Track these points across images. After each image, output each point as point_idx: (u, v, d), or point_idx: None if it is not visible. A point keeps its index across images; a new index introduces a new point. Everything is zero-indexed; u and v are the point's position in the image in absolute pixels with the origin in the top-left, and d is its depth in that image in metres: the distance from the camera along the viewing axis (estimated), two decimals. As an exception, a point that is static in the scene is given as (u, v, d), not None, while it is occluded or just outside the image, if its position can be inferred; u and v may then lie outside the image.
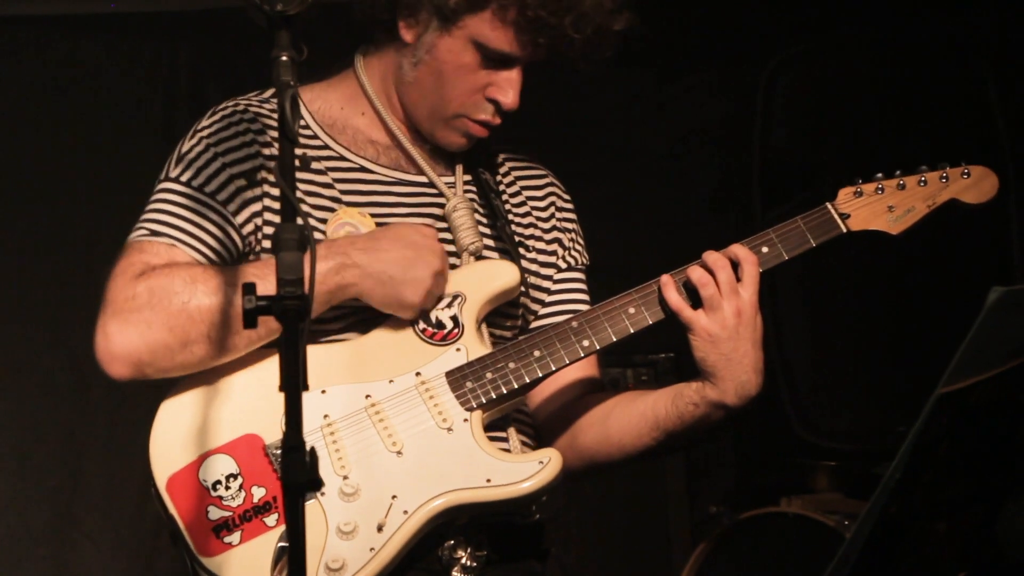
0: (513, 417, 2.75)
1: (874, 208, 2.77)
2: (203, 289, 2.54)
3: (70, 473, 4.93)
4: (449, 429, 2.61)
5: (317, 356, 2.60)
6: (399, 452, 2.58)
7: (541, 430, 2.86)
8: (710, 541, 4.83)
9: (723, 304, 2.63)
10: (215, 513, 2.54)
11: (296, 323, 2.03)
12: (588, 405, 2.85)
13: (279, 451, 2.34)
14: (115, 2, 5.05)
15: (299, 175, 2.69)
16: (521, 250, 2.84)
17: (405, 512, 2.54)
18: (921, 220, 2.79)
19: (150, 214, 2.68)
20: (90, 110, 4.98)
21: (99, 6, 5.04)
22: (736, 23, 5.19)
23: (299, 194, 2.68)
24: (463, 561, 2.61)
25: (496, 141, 2.86)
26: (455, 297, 2.70)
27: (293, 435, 2.02)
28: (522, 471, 2.59)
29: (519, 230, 2.87)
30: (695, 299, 2.66)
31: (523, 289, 2.81)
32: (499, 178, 2.91)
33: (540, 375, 2.67)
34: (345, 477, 2.55)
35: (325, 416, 2.60)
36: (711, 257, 2.67)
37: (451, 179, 2.83)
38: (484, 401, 2.63)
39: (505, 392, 2.65)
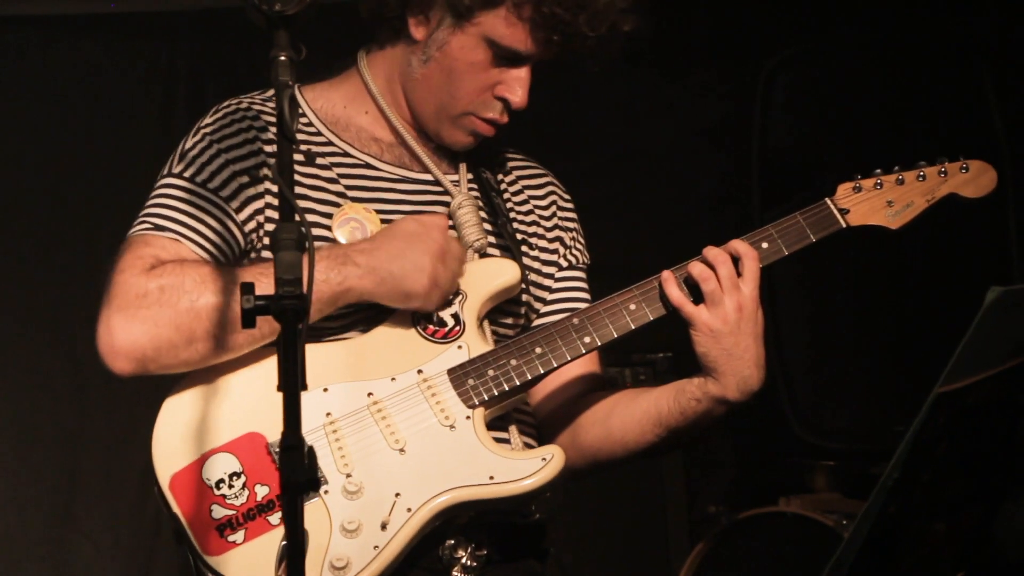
0: (514, 416, 2.75)
1: (873, 203, 2.77)
2: (212, 288, 2.53)
3: (69, 473, 4.94)
4: (451, 427, 2.61)
5: (319, 354, 2.62)
6: (402, 450, 2.58)
7: (543, 428, 2.86)
8: (708, 541, 4.83)
9: (724, 299, 2.64)
10: (219, 512, 2.53)
11: (294, 323, 2.03)
12: (590, 402, 2.85)
13: (282, 449, 2.34)
14: (115, 2, 5.05)
15: (304, 170, 2.71)
16: (524, 248, 2.85)
17: (408, 510, 2.54)
18: (920, 215, 2.79)
19: (153, 208, 2.67)
20: (90, 110, 4.98)
21: (99, 6, 5.04)
22: (736, 23, 5.19)
23: (304, 189, 2.69)
24: (463, 561, 2.62)
25: (497, 141, 2.86)
26: (456, 295, 2.71)
27: (291, 434, 2.02)
28: (525, 468, 2.59)
29: (521, 228, 2.87)
30: (696, 294, 2.67)
31: (524, 287, 2.82)
32: (501, 177, 2.92)
33: (542, 372, 2.68)
34: (348, 475, 2.55)
35: (328, 414, 2.60)
36: (711, 252, 2.68)
37: (455, 177, 2.83)
38: (486, 398, 2.64)
39: (507, 389, 2.65)
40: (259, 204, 2.67)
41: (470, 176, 2.85)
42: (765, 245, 2.72)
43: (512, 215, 2.87)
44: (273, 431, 2.54)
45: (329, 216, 2.69)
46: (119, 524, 4.94)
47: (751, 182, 5.34)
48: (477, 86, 2.72)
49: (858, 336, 5.19)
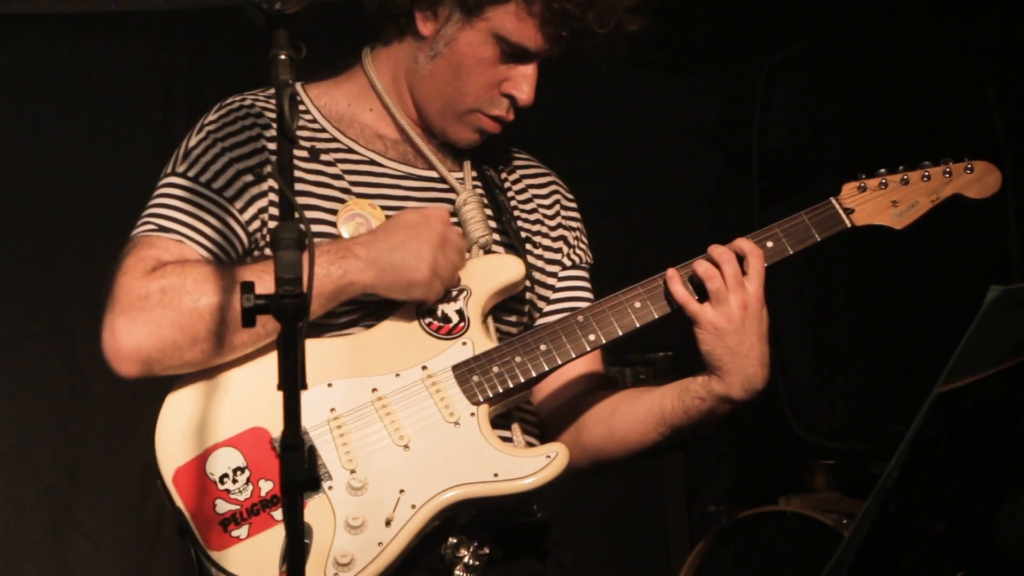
0: (517, 413, 2.75)
1: (878, 203, 2.78)
2: (213, 288, 2.53)
3: (69, 473, 4.94)
4: (456, 423, 2.61)
5: (323, 350, 2.62)
6: (406, 446, 2.58)
7: (545, 426, 2.86)
8: (708, 540, 4.83)
9: (729, 297, 2.64)
10: (223, 507, 2.53)
11: (294, 322, 2.03)
12: (593, 401, 2.85)
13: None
14: (115, 1, 5.05)
15: (308, 166, 2.71)
16: (528, 246, 2.85)
17: (413, 506, 2.54)
18: (925, 215, 2.79)
19: (156, 208, 2.67)
20: (89, 109, 4.98)
21: (99, 5, 5.04)
22: (736, 23, 5.19)
23: (308, 186, 2.69)
24: (465, 560, 2.61)
25: (501, 140, 2.87)
26: (461, 291, 2.71)
27: (291, 434, 2.02)
28: (529, 465, 2.59)
29: (525, 226, 2.88)
30: (701, 293, 2.67)
31: (528, 285, 2.82)
32: (505, 176, 2.92)
33: (546, 369, 2.68)
34: (353, 471, 2.55)
35: (332, 410, 2.60)
36: (716, 251, 2.68)
37: (460, 175, 2.83)
38: (491, 395, 2.64)
39: (512, 386, 2.65)
40: (263, 203, 2.67)
41: (474, 174, 2.85)
42: (770, 244, 2.72)
43: (516, 213, 2.88)
44: (277, 426, 2.50)
45: (333, 212, 2.69)
46: (119, 524, 4.94)
47: (751, 182, 5.35)
48: (484, 82, 2.72)
49: (858, 336, 5.19)
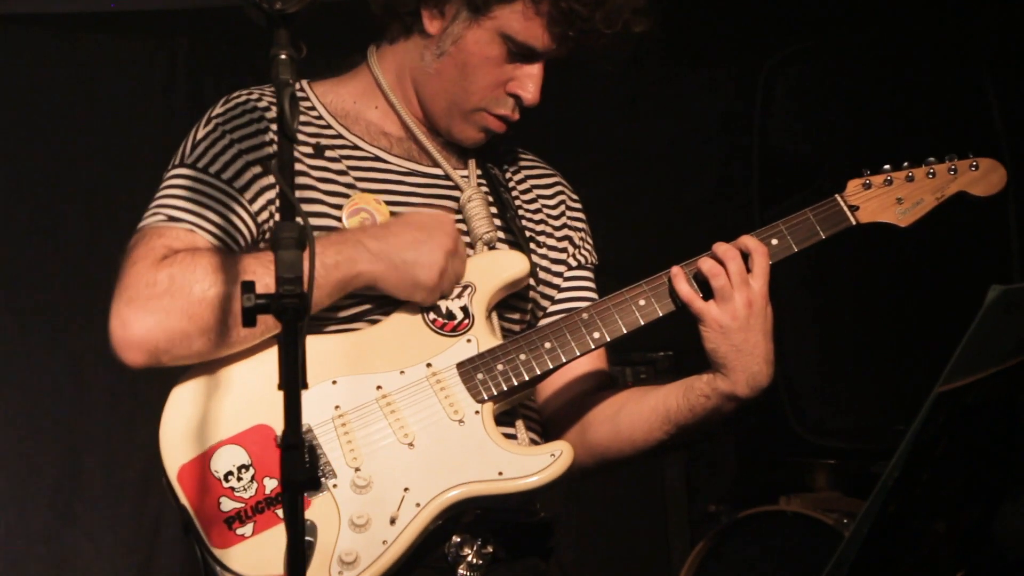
0: (521, 411, 2.75)
1: (883, 200, 2.77)
2: (223, 277, 2.52)
3: (69, 472, 4.94)
4: (460, 421, 2.61)
5: (327, 347, 2.62)
6: (411, 444, 2.58)
7: (550, 425, 2.86)
8: (709, 540, 4.83)
9: (734, 295, 2.64)
10: (227, 504, 2.53)
11: (295, 321, 2.03)
12: (598, 400, 2.85)
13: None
14: (115, 1, 5.05)
15: (313, 162, 2.71)
16: (532, 245, 2.85)
17: (417, 505, 2.53)
18: (929, 212, 2.79)
19: (165, 199, 2.66)
20: (89, 109, 4.98)
21: (99, 5, 5.04)
22: (736, 22, 5.19)
23: (313, 181, 2.69)
24: (469, 558, 2.61)
25: (506, 140, 2.87)
26: (465, 287, 2.70)
27: (292, 433, 2.02)
28: (534, 464, 2.59)
29: (530, 225, 2.88)
30: (706, 290, 2.66)
31: (532, 283, 2.82)
32: (510, 175, 2.92)
33: (551, 366, 2.67)
34: (357, 469, 2.55)
35: (336, 407, 2.59)
36: (721, 248, 2.68)
37: (465, 172, 2.84)
38: (495, 393, 2.63)
39: (516, 384, 2.65)
40: (271, 194, 2.66)
41: (479, 172, 2.85)
42: (775, 241, 2.72)
43: (520, 212, 2.88)
44: (282, 424, 2.54)
45: (338, 208, 2.69)
46: (119, 523, 4.95)
47: (751, 182, 5.35)
48: (490, 81, 2.73)
49: (859, 335, 5.19)
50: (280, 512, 2.50)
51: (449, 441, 2.58)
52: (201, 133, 2.71)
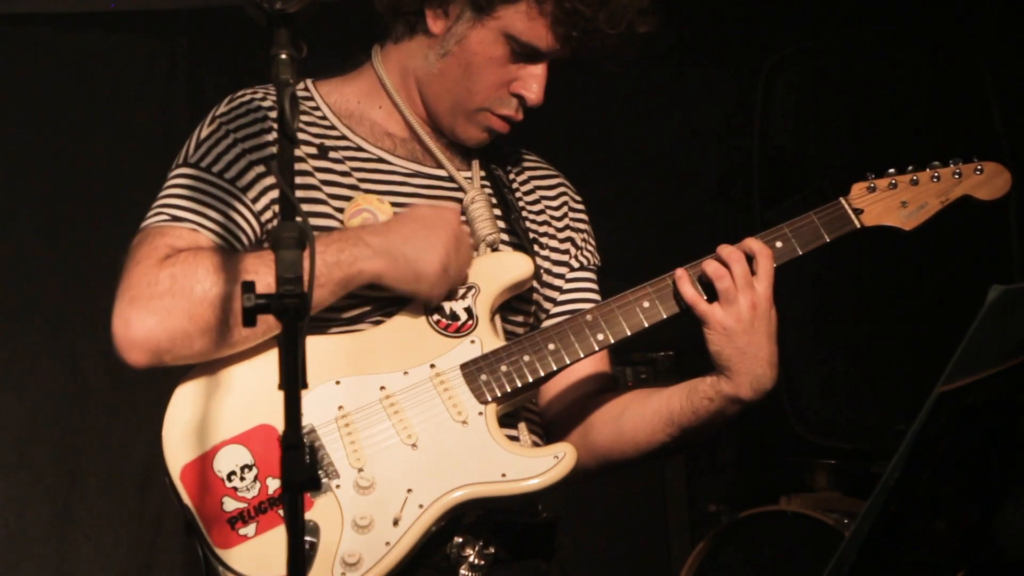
0: (523, 413, 2.75)
1: (887, 204, 2.77)
2: (225, 276, 2.51)
3: (68, 472, 4.93)
4: (464, 422, 2.61)
5: (330, 347, 2.62)
6: (414, 445, 2.58)
7: (553, 426, 2.86)
8: (709, 540, 4.82)
9: (738, 297, 2.64)
10: (230, 504, 2.53)
11: (295, 321, 2.03)
12: (601, 402, 2.85)
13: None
14: (115, 1, 5.05)
15: (317, 163, 2.71)
16: (535, 247, 2.85)
17: (420, 506, 2.53)
18: (934, 216, 2.79)
19: (168, 198, 2.66)
20: (89, 108, 4.98)
21: (99, 5, 5.04)
22: (736, 22, 5.19)
23: (317, 182, 2.69)
24: (471, 559, 2.61)
25: (510, 140, 2.87)
26: (469, 288, 2.71)
27: (292, 433, 2.02)
28: (537, 466, 2.59)
29: (533, 227, 2.88)
30: (710, 293, 2.67)
31: (535, 284, 2.82)
32: (513, 176, 2.92)
33: (555, 368, 2.67)
34: (360, 470, 2.55)
35: (340, 407, 2.59)
36: (726, 250, 2.68)
37: (468, 173, 2.84)
38: (499, 394, 2.63)
39: (520, 385, 2.65)
40: (274, 194, 2.65)
41: (483, 173, 2.85)
42: (779, 244, 2.72)
43: (524, 213, 2.88)
44: (284, 423, 2.54)
45: (341, 211, 2.69)
46: (119, 523, 4.94)
47: (751, 182, 5.34)
48: (494, 82, 2.73)
49: (859, 335, 5.19)
50: (283, 512, 2.49)
51: (452, 442, 2.58)
52: (205, 132, 2.71)
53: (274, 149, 2.65)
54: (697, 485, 5.17)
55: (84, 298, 4.65)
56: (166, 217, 2.63)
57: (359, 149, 2.77)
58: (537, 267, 2.80)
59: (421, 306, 2.68)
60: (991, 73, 5.03)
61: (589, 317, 2.69)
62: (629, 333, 2.69)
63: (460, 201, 2.78)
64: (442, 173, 2.81)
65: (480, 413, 2.61)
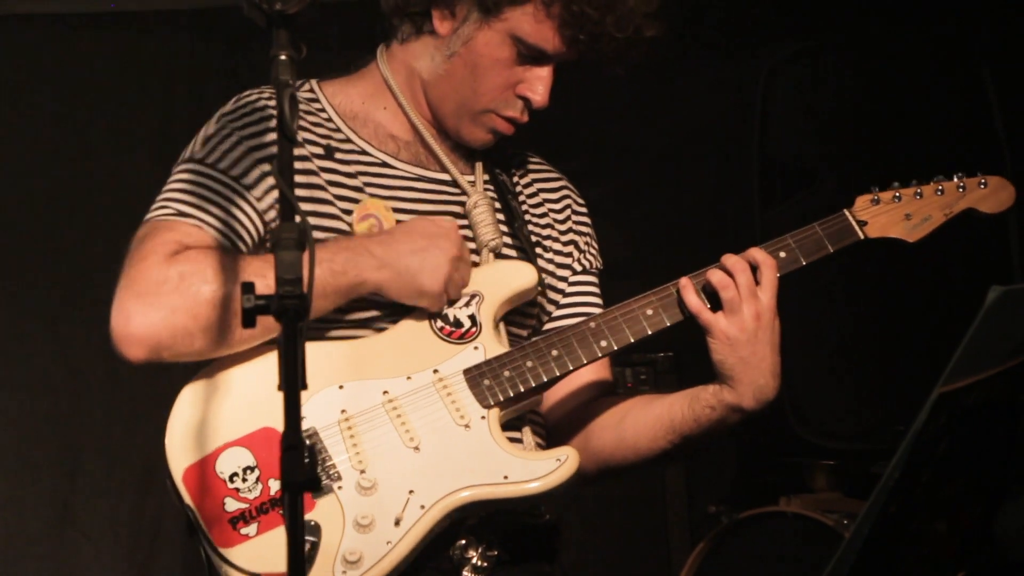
0: (528, 417, 2.76)
1: (891, 216, 2.79)
2: (231, 277, 2.51)
3: (68, 472, 4.94)
4: (466, 426, 2.61)
5: (334, 352, 2.63)
6: (416, 448, 2.58)
7: (554, 431, 2.86)
8: (709, 540, 4.82)
9: (742, 307, 2.64)
10: (232, 505, 2.53)
11: (295, 322, 2.03)
12: (602, 408, 2.86)
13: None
14: (115, 1, 5.05)
15: (323, 164, 2.71)
16: (538, 250, 2.85)
17: (422, 507, 2.54)
18: (937, 228, 2.81)
19: (174, 193, 2.65)
20: (89, 109, 4.98)
21: (99, 5, 5.04)
22: (737, 23, 5.19)
23: (323, 182, 2.69)
24: (474, 561, 2.62)
25: (513, 142, 2.87)
26: (473, 296, 2.71)
27: (291, 434, 2.02)
28: (539, 468, 2.59)
29: (536, 230, 2.88)
30: (714, 302, 2.67)
31: (540, 289, 2.81)
32: (517, 179, 2.92)
33: (558, 374, 2.68)
34: (363, 471, 2.55)
35: (343, 411, 2.60)
36: (730, 260, 2.68)
37: (471, 177, 2.84)
38: (501, 399, 2.64)
39: (523, 390, 2.65)
40: (278, 193, 2.65)
41: (486, 176, 2.86)
42: (783, 254, 2.73)
43: (527, 217, 2.88)
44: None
45: (348, 212, 2.69)
46: (118, 523, 4.94)
47: (751, 182, 5.34)
48: (500, 83, 2.72)
49: (859, 335, 5.18)
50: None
51: (455, 445, 2.59)
52: (211, 130, 2.70)
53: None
54: (697, 485, 5.17)
55: (83, 298, 4.65)
56: (171, 211, 2.62)
57: (363, 152, 2.77)
58: (541, 276, 2.80)
59: (425, 312, 2.68)
60: (991, 72, 5.03)
61: (593, 324, 2.70)
62: (633, 340, 2.70)
63: (463, 205, 2.78)
64: (445, 177, 2.81)
65: (483, 417, 2.62)
